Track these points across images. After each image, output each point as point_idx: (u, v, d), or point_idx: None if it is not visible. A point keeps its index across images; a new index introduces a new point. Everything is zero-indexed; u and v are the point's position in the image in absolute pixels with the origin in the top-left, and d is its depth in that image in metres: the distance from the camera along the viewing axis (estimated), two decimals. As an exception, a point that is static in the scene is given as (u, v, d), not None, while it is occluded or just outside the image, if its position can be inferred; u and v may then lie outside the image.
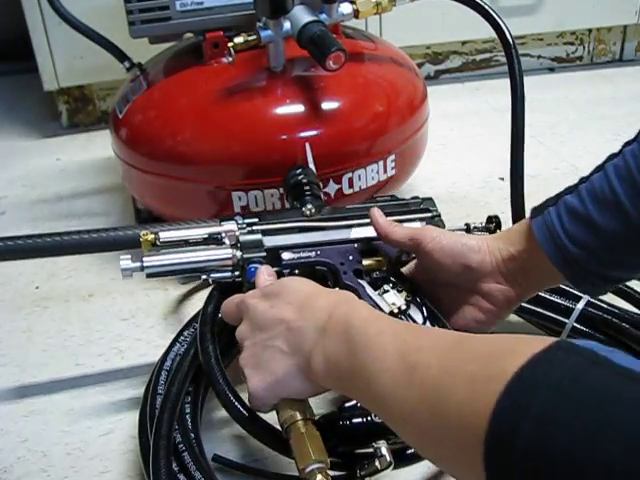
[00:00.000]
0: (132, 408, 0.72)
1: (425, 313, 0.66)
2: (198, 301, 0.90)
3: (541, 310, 0.74)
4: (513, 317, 0.79)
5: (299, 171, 0.77)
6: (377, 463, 0.56)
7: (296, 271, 0.68)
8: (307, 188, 0.75)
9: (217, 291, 0.68)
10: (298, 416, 0.54)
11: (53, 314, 0.91)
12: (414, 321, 0.65)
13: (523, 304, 0.74)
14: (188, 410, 0.63)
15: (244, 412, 0.59)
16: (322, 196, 0.76)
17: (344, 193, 0.88)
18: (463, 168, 1.21)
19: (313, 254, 0.69)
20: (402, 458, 0.58)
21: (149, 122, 0.91)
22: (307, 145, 0.82)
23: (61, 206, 1.17)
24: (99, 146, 1.33)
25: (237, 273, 0.67)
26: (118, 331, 0.87)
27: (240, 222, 0.70)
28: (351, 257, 0.69)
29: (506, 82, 0.83)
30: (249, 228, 0.69)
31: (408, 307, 0.66)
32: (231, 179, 0.85)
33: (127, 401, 0.75)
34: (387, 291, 0.67)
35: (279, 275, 0.67)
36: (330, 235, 0.70)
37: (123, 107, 0.93)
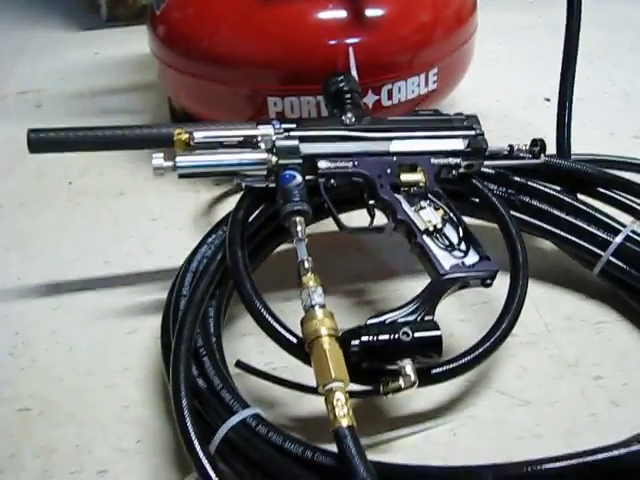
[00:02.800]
0: (157, 310, 0.71)
1: (461, 233, 0.64)
2: (229, 205, 0.88)
3: (576, 239, 0.71)
4: (547, 244, 0.77)
5: (341, 78, 0.73)
6: (401, 381, 0.55)
7: (332, 181, 0.66)
8: (348, 96, 0.72)
9: (248, 196, 0.66)
10: (322, 331, 0.54)
11: (84, 210, 0.90)
12: (449, 240, 0.63)
13: (559, 232, 0.72)
14: (212, 314, 0.63)
15: (270, 319, 0.58)
16: (362, 106, 0.73)
17: (383, 105, 0.84)
18: (509, 86, 1.16)
19: (350, 164, 0.67)
20: (426, 378, 0.58)
21: (186, 20, 0.87)
22: (350, 50, 0.78)
23: (97, 101, 1.15)
24: (138, 41, 1.28)
25: (271, 179, 0.65)
26: (147, 231, 0.86)
27: (277, 127, 0.67)
28: (389, 170, 0.67)
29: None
30: (286, 134, 0.67)
31: (444, 225, 0.64)
32: (267, 83, 0.82)
33: (153, 302, 0.75)
34: (423, 208, 0.65)
35: (315, 184, 0.65)
36: (369, 146, 0.68)
37: (160, 3, 0.89)
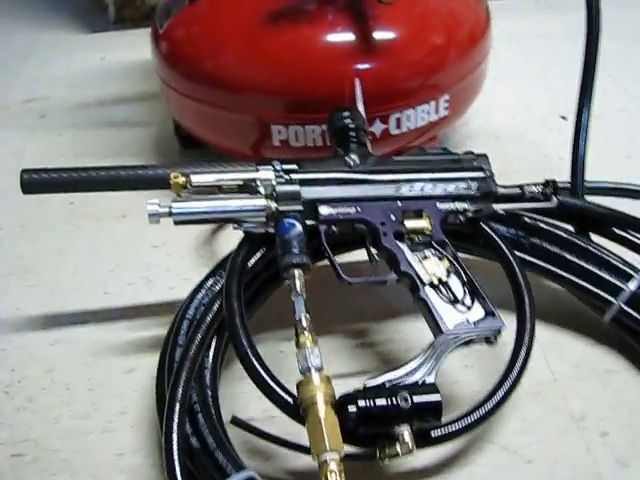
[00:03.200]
0: (155, 348, 0.70)
1: (466, 286, 0.62)
2: (233, 234, 0.86)
3: (587, 285, 0.69)
4: (558, 288, 0.75)
5: (346, 114, 0.71)
6: (398, 448, 0.54)
7: (333, 227, 0.64)
8: (353, 134, 0.69)
9: (247, 242, 0.64)
10: (318, 398, 0.52)
11: (85, 233, 0.89)
12: (453, 293, 0.61)
13: (569, 276, 0.69)
14: (208, 364, 0.62)
15: (267, 378, 0.57)
16: (369, 144, 0.70)
17: (390, 133, 0.82)
18: (524, 100, 1.13)
19: (353, 210, 0.64)
20: (425, 440, 0.56)
21: (189, 40, 0.85)
22: (357, 81, 0.75)
23: (102, 111, 1.14)
24: (145, 45, 1.26)
25: (271, 224, 0.63)
26: (148, 258, 0.85)
27: (278, 168, 0.65)
28: (393, 217, 0.64)
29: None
30: (287, 176, 0.65)
31: (448, 277, 0.62)
32: (271, 111, 0.80)
33: (151, 339, 0.74)
34: (427, 258, 0.63)
35: (315, 230, 0.63)
36: (373, 190, 0.66)
37: (164, 21, 0.87)
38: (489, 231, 0.68)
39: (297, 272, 0.59)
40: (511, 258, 0.66)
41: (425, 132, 0.84)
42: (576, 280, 0.69)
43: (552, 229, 0.71)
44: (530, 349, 0.62)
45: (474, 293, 0.61)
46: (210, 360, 0.62)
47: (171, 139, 1.03)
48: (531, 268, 0.71)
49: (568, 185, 0.78)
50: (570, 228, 0.74)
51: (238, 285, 0.62)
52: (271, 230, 0.63)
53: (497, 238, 0.67)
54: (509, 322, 0.62)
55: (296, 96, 0.79)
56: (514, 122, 1.07)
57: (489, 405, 0.58)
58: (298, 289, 0.58)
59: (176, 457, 0.54)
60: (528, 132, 1.05)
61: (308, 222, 0.63)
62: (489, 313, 0.60)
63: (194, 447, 0.56)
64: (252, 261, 0.65)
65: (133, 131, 1.07)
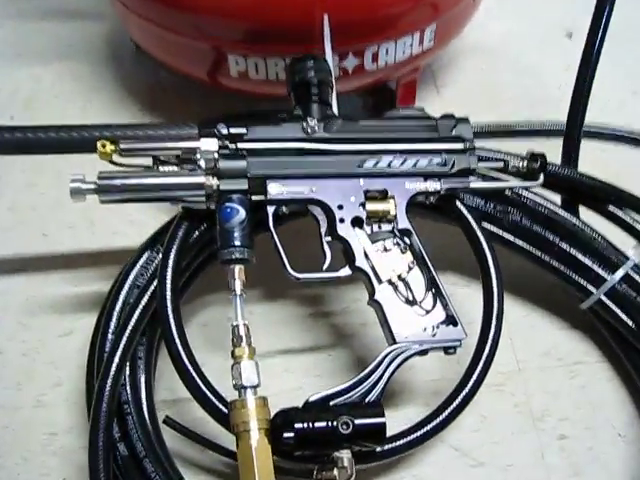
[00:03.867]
0: (94, 306, 0.65)
1: (428, 284, 0.55)
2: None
3: (568, 271, 0.62)
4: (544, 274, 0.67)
5: (309, 64, 0.60)
6: (336, 472, 0.50)
7: (284, 209, 0.56)
8: (315, 91, 0.59)
9: (186, 219, 0.57)
10: (252, 425, 0.48)
11: (25, 162, 0.80)
12: (412, 294, 0.55)
13: (548, 260, 0.63)
14: (142, 354, 0.57)
15: (200, 384, 0.52)
16: (334, 103, 0.60)
17: (365, 69, 0.71)
18: (526, 10, 0.98)
19: (307, 189, 0.56)
20: (371, 456, 0.53)
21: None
22: (325, 17, 0.63)
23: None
24: None
25: (213, 201, 0.55)
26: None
27: (224, 132, 0.56)
28: (353, 198, 0.56)
29: None
30: (232, 146, 0.56)
31: (409, 272, 0.55)
32: (228, 38, 0.68)
33: (91, 296, 0.68)
34: (389, 250, 0.56)
35: (262, 212, 0.56)
36: (332, 165, 0.57)
37: None
38: (463, 210, 0.60)
39: (237, 268, 0.53)
40: (487, 252, 0.58)
41: (405, 65, 0.73)
42: (556, 265, 0.63)
43: (536, 205, 0.63)
44: (490, 362, 0.57)
45: (436, 293, 0.55)
46: (144, 350, 0.57)
47: (125, 38, 0.91)
48: (508, 247, 0.64)
49: (562, 128, 0.69)
50: (558, 199, 0.66)
51: (174, 275, 0.55)
52: (213, 207, 0.56)
53: (472, 221, 0.60)
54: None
55: (256, 23, 0.67)
56: (511, 36, 0.94)
57: (440, 419, 0.54)
58: (237, 290, 0.52)
59: (102, 469, 0.50)
60: (526, 52, 0.92)
61: (255, 198, 0.55)
62: (450, 318, 0.54)
63: (122, 455, 0.52)
64: (192, 238, 0.58)
65: (83, 25, 0.94)
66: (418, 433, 0.54)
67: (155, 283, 0.55)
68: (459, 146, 0.59)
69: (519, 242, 0.64)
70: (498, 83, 0.88)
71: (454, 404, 0.55)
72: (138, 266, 0.59)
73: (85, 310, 0.67)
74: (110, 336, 0.56)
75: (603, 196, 0.65)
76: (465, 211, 0.60)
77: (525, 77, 0.89)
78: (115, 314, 0.57)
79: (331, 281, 0.56)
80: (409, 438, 0.54)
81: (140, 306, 0.56)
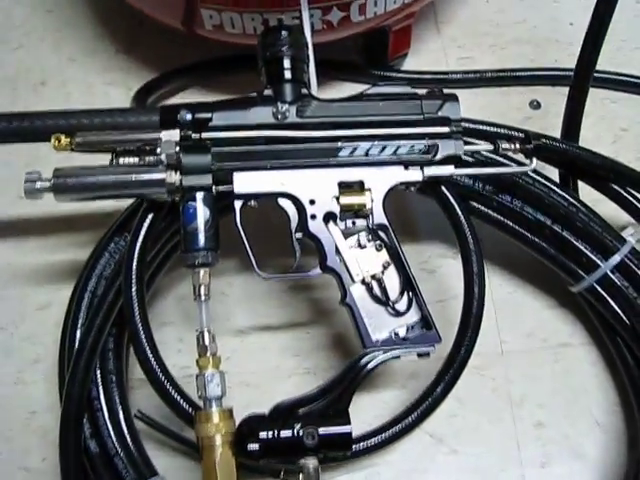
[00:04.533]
0: (73, 276, 0.64)
1: (403, 284, 0.53)
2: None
3: (559, 255, 0.59)
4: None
5: (283, 35, 0.54)
6: (302, 478, 0.50)
7: (252, 203, 0.53)
8: (288, 68, 0.53)
9: (150, 212, 0.54)
10: (216, 439, 0.48)
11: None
12: (386, 294, 0.53)
13: (540, 242, 0.60)
14: (112, 345, 0.56)
15: (167, 385, 0.52)
16: (312, 80, 0.55)
17: (352, 21, 0.64)
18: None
19: (277, 182, 0.53)
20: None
21: None
22: (302, -26, 0.57)
23: None
24: None
25: (176, 195, 0.52)
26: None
27: (187, 119, 0.52)
28: (327, 191, 0.53)
29: None
30: (196, 135, 0.52)
31: (384, 271, 0.53)
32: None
33: (69, 265, 0.66)
34: (363, 247, 0.53)
35: (227, 207, 0.53)
36: (304, 153, 0.53)
37: None
38: (449, 198, 0.56)
39: (202, 272, 0.50)
40: (472, 248, 0.55)
41: (397, 14, 0.66)
42: (548, 248, 0.59)
43: (528, 185, 0.59)
44: (471, 351, 0.55)
45: (412, 293, 0.53)
46: (113, 341, 0.56)
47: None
48: (497, 227, 0.60)
49: (569, 73, 0.63)
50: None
51: (139, 267, 0.53)
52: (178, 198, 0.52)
53: (459, 212, 0.56)
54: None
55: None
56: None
57: (412, 418, 0.54)
58: (202, 295, 0.50)
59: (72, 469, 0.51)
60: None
61: (222, 188, 0.52)
62: (424, 321, 0.52)
63: (93, 452, 0.53)
64: (161, 225, 0.55)
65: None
66: (394, 429, 0.54)
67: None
68: (445, 130, 0.54)
69: (509, 223, 0.60)
70: (503, 19, 0.80)
71: (433, 396, 0.54)
72: (105, 256, 0.57)
73: (63, 280, 0.65)
74: (78, 332, 0.55)
75: (603, 173, 0.60)
76: (451, 199, 0.56)
77: (534, 12, 0.81)
78: (83, 307, 0.56)
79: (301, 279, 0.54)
80: (382, 436, 0.54)
81: (107, 300, 0.54)
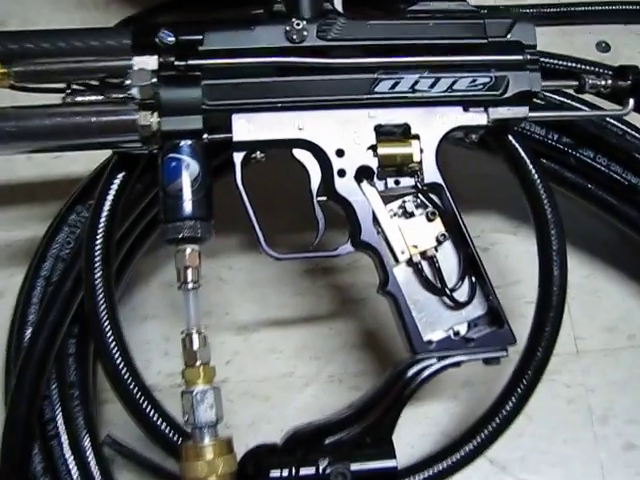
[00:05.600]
0: (30, 257, 0.50)
1: (464, 265, 0.39)
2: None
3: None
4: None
5: None
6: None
7: (259, 154, 0.39)
8: (304, -28, 0.39)
9: (120, 171, 0.40)
10: (210, 482, 0.34)
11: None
12: (442, 278, 0.39)
13: (632, 214, 0.46)
14: (72, 349, 0.42)
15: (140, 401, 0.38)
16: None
17: None
18: None
19: (291, 126, 0.39)
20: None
21: None
22: None
23: None
24: None
25: (153, 145, 0.38)
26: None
27: (168, 41, 0.38)
28: (359, 138, 0.39)
29: None
30: (181, 63, 0.38)
31: (438, 248, 0.39)
32: None
33: (26, 244, 0.53)
34: (410, 215, 0.39)
35: (224, 165, 0.39)
36: (331, 88, 0.39)
37: None
38: (517, 148, 0.42)
39: (188, 251, 0.37)
40: (549, 214, 0.41)
41: None
42: (636, 217, 0.46)
43: (616, 137, 0.45)
44: (550, 351, 0.41)
45: (475, 277, 0.39)
46: (75, 345, 0.42)
47: None
48: (573, 191, 0.47)
49: None
50: None
51: (104, 257, 0.39)
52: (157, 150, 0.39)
53: (530, 165, 0.42)
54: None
55: None
56: None
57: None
58: (189, 282, 0.36)
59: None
60: None
61: (216, 135, 0.38)
62: (493, 314, 0.39)
63: (45, 492, 0.40)
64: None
65: None
66: (450, 459, 0.41)
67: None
68: (517, 58, 0.40)
69: (589, 186, 0.46)
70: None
71: (501, 415, 0.41)
72: (65, 231, 0.43)
73: (18, 263, 0.52)
74: (28, 331, 0.42)
75: None
76: (520, 150, 0.42)
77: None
78: (34, 298, 0.43)
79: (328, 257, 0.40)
80: (435, 469, 0.40)
81: (65, 289, 0.41)
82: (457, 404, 0.47)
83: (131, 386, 0.38)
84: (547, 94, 0.45)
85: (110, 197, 0.39)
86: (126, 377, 0.38)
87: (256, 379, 0.49)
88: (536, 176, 0.42)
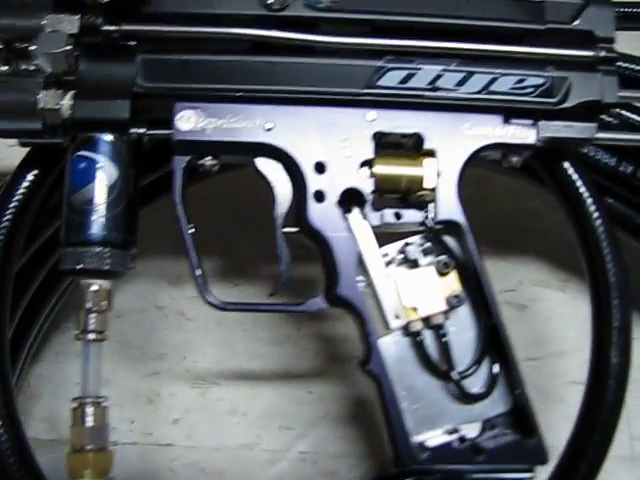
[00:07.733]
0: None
1: (483, 339, 0.28)
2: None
3: None
4: None
5: None
6: None
7: (207, 161, 0.28)
8: None
9: (30, 168, 0.30)
10: None
11: None
12: (447, 355, 0.27)
13: None
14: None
15: None
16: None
17: None
18: None
19: (257, 124, 0.28)
20: None
21: None
22: None
23: None
24: None
25: (64, 134, 0.28)
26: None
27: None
28: (350, 148, 0.28)
29: None
30: (110, 28, 0.27)
31: (449, 315, 0.28)
32: None
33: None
34: (414, 263, 0.28)
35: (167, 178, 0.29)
36: (317, 75, 0.28)
37: None
38: (575, 181, 0.31)
39: (94, 287, 0.26)
40: (611, 271, 0.30)
41: None
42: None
43: None
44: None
45: (499, 359, 0.27)
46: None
47: None
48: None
49: None
50: None
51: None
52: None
53: (589, 201, 0.30)
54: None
55: None
56: None
57: None
58: (90, 333, 0.26)
59: None
60: None
61: (153, 132, 0.28)
62: (517, 414, 0.27)
63: None
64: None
65: None
66: None
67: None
68: (585, 53, 0.28)
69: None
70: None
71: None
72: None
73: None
74: None
75: None
76: (579, 182, 0.30)
77: None
78: None
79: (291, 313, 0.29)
80: None
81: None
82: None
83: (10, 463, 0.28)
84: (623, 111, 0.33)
85: (15, 200, 0.29)
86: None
87: (209, 447, 0.39)
88: (598, 220, 0.31)
